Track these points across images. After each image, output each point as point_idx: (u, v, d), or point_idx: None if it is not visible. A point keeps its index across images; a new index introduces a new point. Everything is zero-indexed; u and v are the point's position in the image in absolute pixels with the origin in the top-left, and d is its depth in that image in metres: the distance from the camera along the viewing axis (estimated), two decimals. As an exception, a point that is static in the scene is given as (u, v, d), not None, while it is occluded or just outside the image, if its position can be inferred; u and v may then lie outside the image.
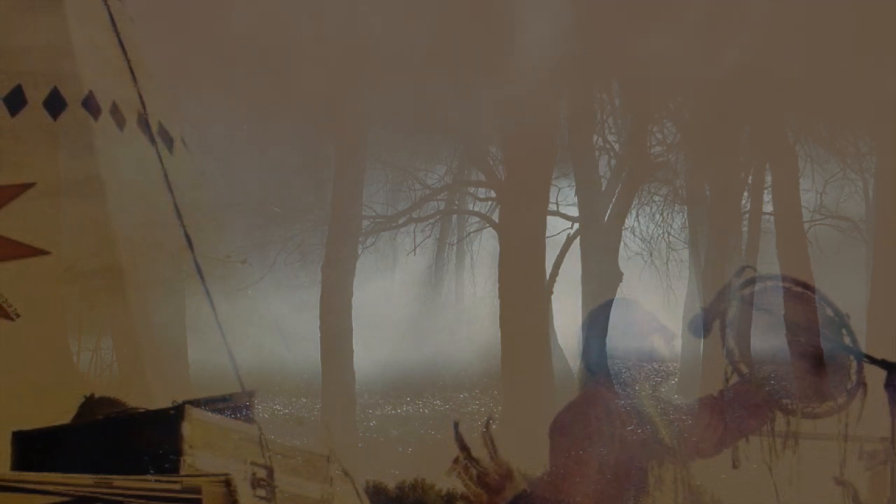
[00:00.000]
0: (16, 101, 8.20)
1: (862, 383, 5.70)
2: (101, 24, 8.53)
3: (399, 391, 21.17)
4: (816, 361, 5.71)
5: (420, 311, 23.75)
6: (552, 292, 21.51)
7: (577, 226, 22.04)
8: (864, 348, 5.72)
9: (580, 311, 20.57)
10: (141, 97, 8.50)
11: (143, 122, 8.47)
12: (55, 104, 8.22)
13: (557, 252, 21.89)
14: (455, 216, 24.28)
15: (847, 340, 5.77)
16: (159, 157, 8.36)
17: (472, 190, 23.50)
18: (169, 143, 8.56)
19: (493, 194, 22.61)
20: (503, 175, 21.96)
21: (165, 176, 8.32)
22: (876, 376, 5.45)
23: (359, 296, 21.03)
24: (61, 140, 8.15)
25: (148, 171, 8.37)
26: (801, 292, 5.83)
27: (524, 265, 20.51)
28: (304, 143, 20.51)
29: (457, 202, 23.97)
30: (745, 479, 6.04)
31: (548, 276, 21.40)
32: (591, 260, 20.94)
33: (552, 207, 21.83)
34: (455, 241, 24.65)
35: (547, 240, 21.27)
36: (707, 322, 5.78)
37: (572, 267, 21.58)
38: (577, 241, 21.93)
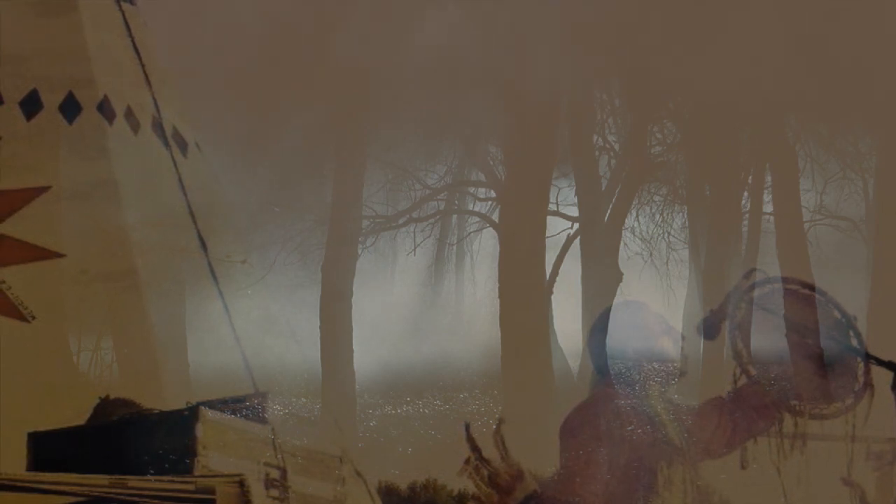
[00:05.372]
0: (31, 105, 8.24)
1: (869, 385, 5.74)
2: (116, 28, 8.57)
3: (399, 391, 21.15)
4: (824, 363, 5.76)
5: (420, 311, 23.74)
6: (552, 292, 21.54)
7: (577, 226, 22.07)
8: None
9: (580, 311, 20.65)
10: (155, 101, 8.53)
11: (158, 126, 8.51)
12: (70, 108, 8.25)
13: (557, 252, 21.93)
14: (455, 216, 24.28)
15: (854, 342, 5.82)
16: (173, 161, 8.40)
17: (472, 190, 23.51)
18: (183, 146, 8.60)
19: (493, 194, 22.64)
20: (503, 175, 22.00)
21: (179, 179, 8.36)
22: (883, 378, 5.49)
23: (359, 296, 21.05)
24: (76, 144, 8.19)
25: (162, 174, 8.41)
26: (808, 294, 5.87)
27: (524, 265, 20.54)
28: (304, 143, 20.53)
29: (457, 202, 23.98)
30: (753, 479, 6.09)
31: (548, 276, 21.43)
32: (591, 260, 20.99)
33: (552, 207, 21.86)
34: (455, 241, 24.65)
35: (547, 240, 21.29)
36: (716, 324, 5.83)
37: (572, 267, 21.62)
38: (577, 241, 21.97)
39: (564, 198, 22.26)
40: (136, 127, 8.44)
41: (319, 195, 21.47)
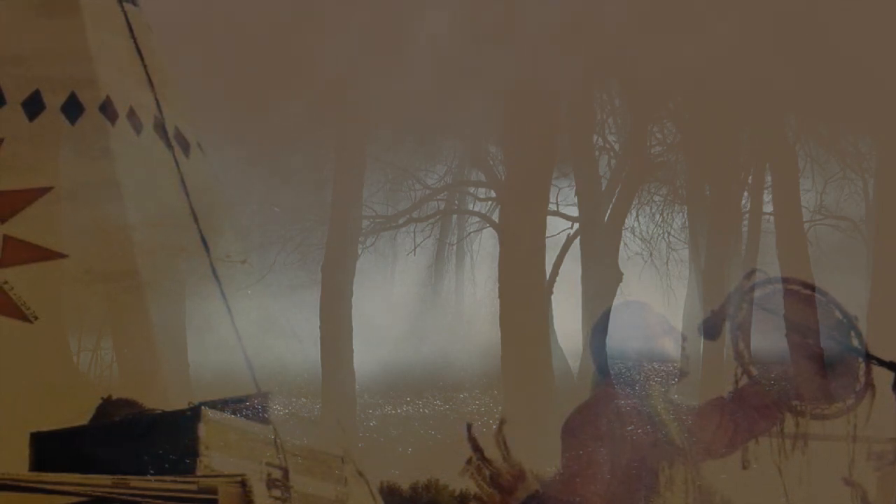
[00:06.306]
0: (34, 105, 8.24)
1: (870, 385, 5.75)
2: (119, 29, 8.59)
3: (399, 391, 21.17)
4: (825, 363, 5.77)
5: (420, 311, 23.75)
6: (552, 292, 21.55)
7: (577, 226, 22.09)
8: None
9: (580, 311, 20.65)
10: (157, 102, 8.54)
11: (160, 127, 8.52)
12: (73, 109, 8.26)
13: (557, 252, 21.94)
14: (455, 216, 24.30)
15: (855, 342, 5.83)
16: (176, 162, 8.41)
17: (472, 190, 23.53)
18: (185, 147, 8.61)
19: (493, 194, 22.66)
20: (503, 175, 22.02)
21: (182, 179, 8.37)
22: (884, 378, 5.49)
23: (359, 296, 21.06)
24: (78, 144, 8.18)
25: (164, 174, 8.42)
26: (809, 295, 5.88)
27: (524, 265, 20.55)
28: (304, 143, 20.54)
29: (457, 202, 24.00)
30: (755, 479, 6.10)
31: (548, 277, 21.44)
32: (591, 260, 21.00)
33: (552, 207, 21.88)
34: (455, 241, 24.67)
35: (547, 240, 21.31)
36: (717, 324, 5.84)
37: (572, 267, 21.63)
38: (577, 242, 21.98)
39: (564, 198, 22.28)
40: (138, 127, 8.44)
41: (319, 195, 21.48)
